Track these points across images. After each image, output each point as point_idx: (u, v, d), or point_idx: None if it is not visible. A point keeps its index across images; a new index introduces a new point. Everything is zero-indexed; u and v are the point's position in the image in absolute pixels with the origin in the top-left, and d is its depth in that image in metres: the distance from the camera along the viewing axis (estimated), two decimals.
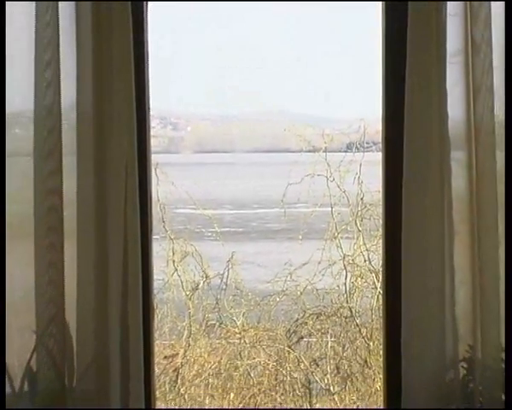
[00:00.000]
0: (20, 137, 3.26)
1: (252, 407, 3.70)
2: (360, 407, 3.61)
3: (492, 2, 3.19)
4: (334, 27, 3.52)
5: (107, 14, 3.20)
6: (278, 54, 3.60)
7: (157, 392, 3.50)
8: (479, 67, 3.20)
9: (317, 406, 3.68)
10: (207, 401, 3.69)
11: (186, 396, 3.70)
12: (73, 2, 3.22)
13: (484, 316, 3.20)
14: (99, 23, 3.22)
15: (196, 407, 3.67)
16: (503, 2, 3.20)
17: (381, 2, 3.37)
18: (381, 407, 3.42)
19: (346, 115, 3.79)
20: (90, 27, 3.22)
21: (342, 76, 3.60)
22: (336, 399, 3.70)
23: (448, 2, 3.21)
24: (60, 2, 3.20)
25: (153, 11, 3.39)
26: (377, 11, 3.39)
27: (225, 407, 3.65)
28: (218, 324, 3.86)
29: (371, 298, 3.61)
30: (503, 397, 3.17)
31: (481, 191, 3.20)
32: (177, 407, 3.64)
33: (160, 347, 3.56)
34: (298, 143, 3.79)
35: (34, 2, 3.19)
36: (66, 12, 3.22)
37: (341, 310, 3.79)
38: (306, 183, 3.79)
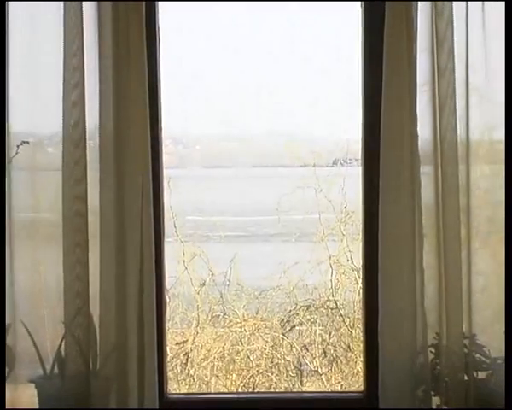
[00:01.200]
0: (52, 154, 3.25)
1: (251, 385, 3.71)
2: (339, 391, 3.61)
3: (456, 34, 3.19)
4: (321, 58, 3.52)
5: (126, 48, 3.21)
6: (273, 82, 3.60)
7: (169, 373, 3.49)
8: (443, 92, 3.21)
9: (308, 384, 3.68)
10: (213, 381, 3.70)
11: (195, 377, 3.70)
12: (97, 35, 3.22)
13: (449, 308, 3.20)
14: (119, 55, 3.22)
15: (203, 392, 3.66)
16: (464, 32, 3.20)
17: (360, 38, 3.36)
18: (361, 390, 3.45)
19: (332, 136, 3.78)
20: (111, 58, 3.22)
21: (329, 102, 3.61)
22: (323, 379, 3.71)
23: (418, 39, 3.19)
24: (85, 34, 3.19)
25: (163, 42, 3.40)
26: (358, 46, 3.40)
27: (228, 385, 3.66)
28: (222, 315, 3.85)
29: (353, 292, 3.60)
30: (466, 377, 3.20)
31: (446, 200, 3.20)
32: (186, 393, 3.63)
33: (172, 334, 3.55)
34: (291, 160, 3.79)
35: (63, 32, 3.18)
36: (90, 41, 3.21)
37: (328, 303, 3.79)
38: (298, 193, 3.79)
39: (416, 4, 3.20)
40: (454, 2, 3.19)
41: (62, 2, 3.19)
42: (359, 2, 3.35)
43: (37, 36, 3.22)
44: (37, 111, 3.24)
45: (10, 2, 3.20)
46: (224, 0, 3.47)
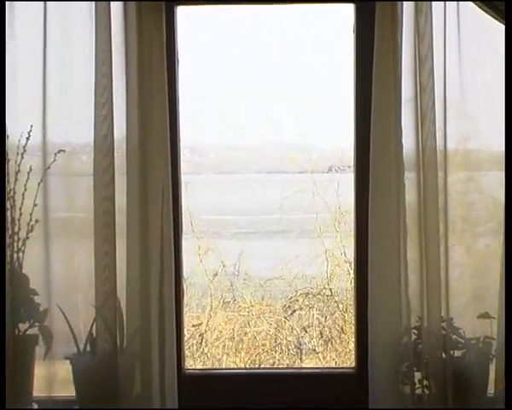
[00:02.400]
0: (85, 161, 3.25)
1: (257, 362, 3.70)
2: (334, 367, 3.61)
3: (435, 57, 3.18)
4: (319, 79, 3.51)
5: (149, 69, 3.21)
6: (276, 98, 3.61)
7: (186, 352, 3.48)
8: (424, 107, 3.19)
9: (306, 361, 3.68)
10: (224, 358, 3.69)
11: (208, 355, 3.70)
12: (124, 58, 3.22)
13: (429, 295, 3.20)
14: (143, 76, 3.22)
15: (216, 368, 3.65)
16: (442, 55, 3.19)
17: (353, 61, 3.36)
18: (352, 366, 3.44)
19: (328, 145, 3.77)
20: (136, 79, 3.22)
21: (326, 116, 3.61)
22: (320, 357, 3.70)
23: (403, 58, 3.19)
24: (113, 58, 3.18)
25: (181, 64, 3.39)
26: (351, 69, 3.39)
27: (237, 362, 3.65)
28: (232, 301, 3.84)
29: (346, 282, 3.58)
30: (444, 355, 3.20)
31: (427, 202, 3.20)
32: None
33: (189, 318, 3.55)
34: (291, 167, 3.79)
35: (94, 56, 3.18)
36: (118, 64, 3.21)
37: (324, 290, 3.78)
38: (298, 196, 3.78)
39: (401, 30, 3.19)
40: (434, 29, 3.18)
41: (94, 31, 3.18)
42: (353, 30, 3.35)
43: (71, 60, 3.23)
44: (72, 124, 3.24)
45: (48, 31, 3.19)
46: (231, 2, 3.43)
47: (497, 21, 3.11)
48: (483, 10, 3.12)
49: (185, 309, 3.48)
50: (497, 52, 3.16)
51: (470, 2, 3.12)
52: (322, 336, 3.72)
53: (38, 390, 3.29)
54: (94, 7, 3.18)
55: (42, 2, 3.19)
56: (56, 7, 3.21)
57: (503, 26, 3.11)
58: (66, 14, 3.22)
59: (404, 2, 3.18)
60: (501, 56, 3.14)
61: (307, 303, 3.76)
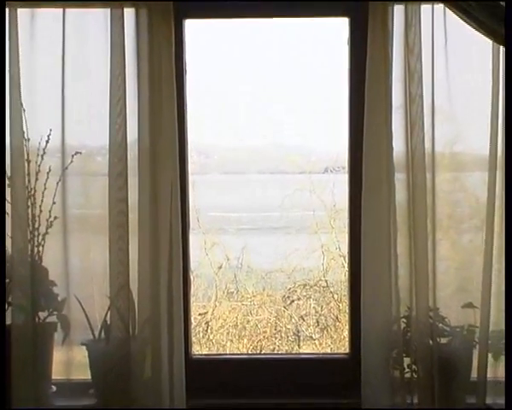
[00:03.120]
0: (101, 163, 3.25)
1: (259, 348, 3.70)
2: (329, 352, 3.61)
3: (424, 67, 3.18)
4: (318, 88, 3.52)
5: (159, 80, 3.20)
6: (277, 104, 3.61)
7: (193, 338, 3.47)
8: (414, 113, 3.19)
9: (304, 347, 3.68)
10: (228, 345, 3.69)
11: (213, 341, 3.70)
12: (136, 69, 3.21)
13: (417, 287, 3.20)
14: (153, 86, 3.21)
15: (220, 353, 3.65)
16: (430, 65, 3.18)
17: (347, 73, 3.36)
18: (346, 352, 3.45)
19: (325, 148, 3.77)
20: (147, 89, 3.21)
21: (323, 121, 3.61)
22: (316, 343, 3.70)
23: (394, 68, 3.18)
24: (126, 69, 3.18)
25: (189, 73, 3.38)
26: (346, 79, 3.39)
27: (240, 348, 3.65)
28: (235, 291, 3.84)
29: (340, 274, 3.58)
30: (431, 342, 3.20)
31: (415, 201, 3.19)
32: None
33: (195, 307, 3.54)
34: (291, 167, 3.78)
35: (109, 68, 3.17)
36: (130, 75, 3.21)
37: (320, 282, 3.78)
38: (297, 195, 3.78)
39: (392, 42, 3.18)
40: (422, 42, 3.18)
41: (109, 43, 3.18)
42: (347, 42, 3.35)
43: (88, 69, 3.24)
44: (88, 129, 3.25)
45: (66, 44, 3.19)
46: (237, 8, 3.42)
47: (480, 34, 3.10)
48: (468, 24, 3.10)
49: (192, 299, 3.47)
50: (482, 63, 3.18)
51: (457, 17, 3.11)
52: (318, 324, 3.72)
53: (57, 374, 3.31)
54: (109, 21, 3.18)
55: (61, 15, 3.19)
56: (74, 21, 3.21)
57: (487, 39, 3.11)
58: (83, 28, 3.22)
59: (395, 17, 3.18)
60: (485, 66, 3.17)
61: (305, 294, 3.76)
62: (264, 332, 3.73)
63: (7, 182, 3.21)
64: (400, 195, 3.20)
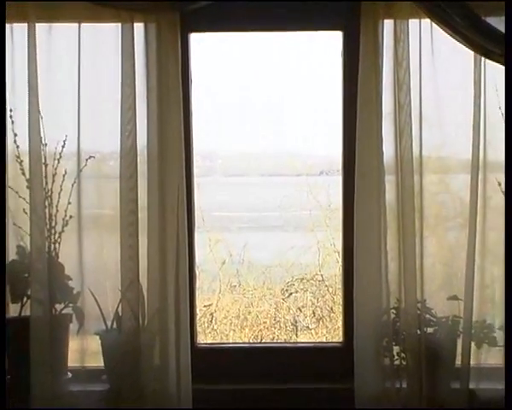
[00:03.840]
0: (113, 166, 3.24)
1: (259, 337, 3.69)
2: (324, 341, 3.61)
3: (411, 78, 3.17)
4: (315, 100, 3.51)
5: (166, 89, 3.20)
6: (276, 113, 3.60)
7: (198, 328, 3.48)
8: (402, 120, 3.18)
9: (301, 337, 3.67)
10: (231, 334, 3.68)
11: (217, 331, 3.69)
12: (145, 80, 3.20)
13: (406, 281, 3.19)
14: (161, 95, 3.21)
15: (224, 342, 3.64)
16: (418, 76, 3.18)
17: (341, 84, 3.36)
18: (340, 341, 3.43)
19: (320, 152, 3.77)
20: (155, 98, 3.21)
21: (319, 128, 3.60)
22: (313, 333, 3.69)
23: (384, 79, 3.18)
24: (136, 80, 3.18)
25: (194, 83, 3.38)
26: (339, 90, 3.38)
27: (242, 337, 3.64)
28: (238, 285, 3.83)
29: (335, 269, 3.57)
30: (418, 332, 3.19)
31: (404, 201, 3.19)
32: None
33: (200, 299, 3.53)
34: (289, 171, 3.78)
35: (120, 79, 3.17)
36: (140, 85, 3.20)
37: (316, 276, 3.77)
38: (295, 196, 3.78)
39: (382, 55, 3.18)
40: (410, 54, 3.17)
41: (120, 55, 3.18)
42: (341, 54, 3.35)
43: (101, 80, 3.23)
44: (101, 135, 3.25)
45: (81, 57, 3.18)
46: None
47: (464, 46, 3.11)
48: (453, 38, 3.10)
49: (197, 292, 3.48)
50: (465, 73, 3.18)
51: (442, 31, 3.11)
52: (314, 315, 3.72)
53: (72, 361, 3.30)
54: (120, 35, 3.18)
55: (76, 29, 3.19)
56: (88, 35, 3.21)
57: (470, 51, 3.12)
58: (96, 41, 3.22)
59: (385, 32, 3.18)
60: (468, 77, 3.17)
61: (302, 287, 3.75)
62: (265, 323, 3.72)
63: (26, 184, 3.20)
64: (390, 195, 3.20)
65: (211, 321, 3.68)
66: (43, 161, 3.20)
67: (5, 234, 3.00)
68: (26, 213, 3.21)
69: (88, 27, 3.20)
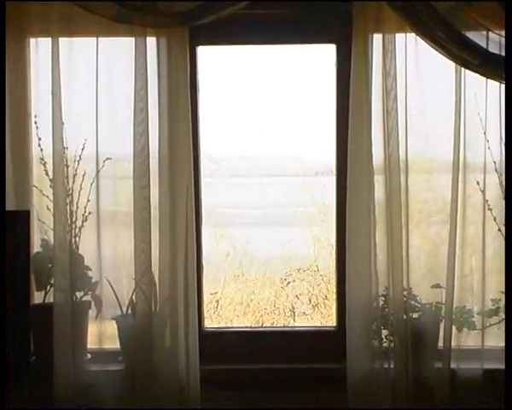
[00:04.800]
0: (127, 167, 3.24)
1: (260, 322, 3.68)
2: (319, 325, 3.61)
3: (398, 86, 3.17)
4: (311, 107, 3.50)
5: (176, 96, 3.20)
6: (276, 119, 3.60)
7: (205, 314, 3.45)
8: (390, 125, 3.18)
9: (298, 321, 3.66)
10: (235, 319, 3.66)
11: (222, 316, 3.68)
12: (157, 86, 3.20)
13: (393, 270, 3.19)
14: (171, 101, 3.21)
15: (228, 326, 3.63)
16: (404, 85, 3.17)
17: (335, 93, 3.35)
18: (334, 325, 3.43)
19: (316, 155, 3.75)
20: (166, 103, 3.21)
21: (314, 134, 3.59)
22: (309, 318, 3.68)
23: (373, 87, 3.17)
24: (148, 87, 3.18)
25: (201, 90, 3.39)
26: (333, 99, 3.38)
27: (245, 322, 3.63)
28: (240, 275, 3.81)
29: (329, 260, 3.56)
30: (404, 317, 3.19)
31: (392, 198, 3.19)
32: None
33: (207, 288, 3.51)
34: (287, 171, 3.78)
35: (133, 85, 3.17)
36: (152, 91, 3.20)
37: (312, 267, 3.76)
38: (292, 194, 3.78)
39: (372, 65, 3.19)
40: (397, 65, 3.18)
41: (134, 65, 3.18)
42: (335, 65, 3.35)
43: (117, 88, 3.23)
44: (117, 139, 3.24)
45: (99, 67, 3.18)
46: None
47: (445, 58, 3.11)
48: (435, 50, 3.11)
49: (204, 281, 3.45)
50: (447, 83, 3.18)
51: (426, 44, 3.11)
52: (310, 302, 3.71)
53: (91, 344, 3.30)
54: (134, 48, 3.18)
55: (95, 43, 3.20)
56: (105, 48, 3.21)
57: (451, 63, 3.12)
58: (113, 54, 3.22)
59: (374, 45, 3.18)
60: (449, 86, 3.17)
61: (299, 277, 3.74)
62: (265, 309, 3.71)
63: (49, 183, 3.21)
64: (379, 194, 3.21)
65: (216, 307, 3.68)
66: (64, 162, 3.21)
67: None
68: (49, 209, 3.22)
69: (105, 41, 3.21)
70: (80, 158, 3.23)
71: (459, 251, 3.20)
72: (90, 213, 3.24)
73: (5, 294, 2.85)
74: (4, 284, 2.85)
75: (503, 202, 3.19)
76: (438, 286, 3.24)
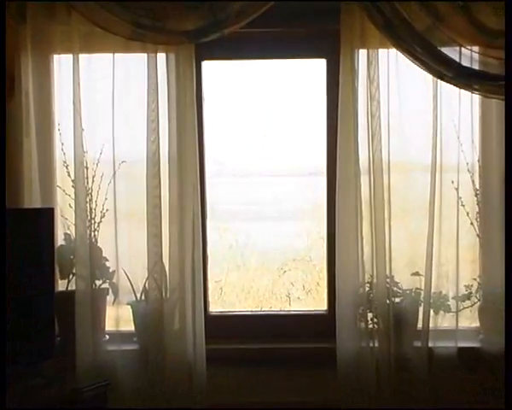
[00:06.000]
0: (141, 169, 3.23)
1: (260, 306, 3.62)
2: (312, 309, 3.57)
3: (381, 95, 3.17)
4: (306, 117, 3.50)
5: (184, 106, 3.22)
6: (274, 127, 3.59)
7: (210, 299, 3.47)
8: (374, 130, 3.18)
9: (294, 306, 3.62)
10: (237, 304, 3.62)
11: (226, 301, 3.64)
12: (166, 98, 3.20)
13: (377, 260, 3.20)
14: (179, 111, 3.22)
15: (231, 310, 3.60)
16: (386, 93, 3.17)
17: (325, 98, 3.37)
18: (325, 309, 3.44)
19: (309, 157, 3.72)
20: (175, 113, 3.22)
21: (307, 140, 3.57)
22: (303, 302, 3.64)
23: (359, 96, 3.17)
24: (159, 99, 3.18)
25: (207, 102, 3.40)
26: (323, 101, 3.39)
27: (246, 306, 3.58)
28: (242, 264, 3.77)
29: (321, 251, 3.53)
30: (387, 301, 3.19)
31: (376, 196, 3.19)
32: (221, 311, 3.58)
33: (212, 276, 3.51)
34: (284, 172, 3.73)
35: (146, 97, 3.17)
36: (162, 102, 3.21)
37: (305, 257, 3.71)
38: (288, 192, 3.74)
39: (358, 76, 3.19)
40: (380, 76, 3.18)
41: (146, 79, 3.19)
42: (325, 77, 3.37)
43: (131, 99, 3.24)
44: (132, 144, 3.24)
45: (115, 81, 3.18)
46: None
47: (423, 71, 3.12)
48: (414, 63, 3.12)
49: (209, 270, 3.46)
50: (424, 91, 3.19)
51: (406, 59, 3.12)
52: (304, 289, 3.67)
53: (109, 326, 3.31)
54: (146, 63, 3.19)
55: (111, 58, 3.20)
56: (121, 62, 3.22)
57: (428, 74, 3.12)
58: (127, 68, 3.23)
59: (360, 58, 3.19)
60: (427, 94, 3.18)
61: (294, 266, 3.70)
62: (264, 295, 3.67)
63: (71, 184, 3.22)
64: (364, 192, 3.20)
65: (220, 293, 3.65)
66: (84, 165, 3.21)
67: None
68: (71, 207, 3.23)
69: (120, 57, 3.21)
70: (99, 161, 3.23)
71: (436, 243, 3.20)
72: (107, 210, 3.24)
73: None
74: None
75: (475, 198, 3.25)
76: (417, 274, 3.25)
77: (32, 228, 3.05)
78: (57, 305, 3.16)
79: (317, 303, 3.59)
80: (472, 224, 3.25)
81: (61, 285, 3.29)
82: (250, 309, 3.62)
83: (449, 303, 3.26)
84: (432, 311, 3.23)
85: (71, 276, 3.26)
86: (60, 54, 3.24)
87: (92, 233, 3.25)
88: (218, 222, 3.62)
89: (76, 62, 3.17)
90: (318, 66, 3.41)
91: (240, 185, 3.73)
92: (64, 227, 3.28)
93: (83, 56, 3.19)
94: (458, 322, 3.24)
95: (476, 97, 3.20)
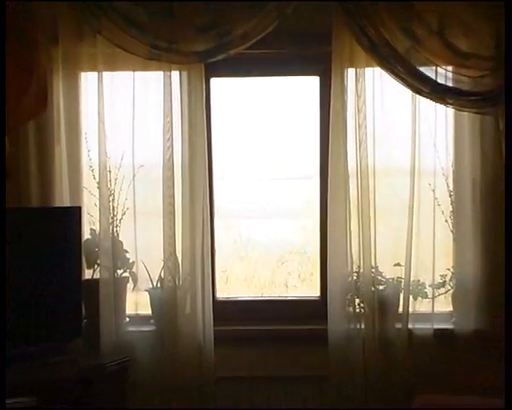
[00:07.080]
0: (157, 173, 3.24)
1: (261, 293, 3.59)
2: (306, 295, 3.55)
3: (367, 107, 3.20)
4: (301, 127, 3.51)
5: (194, 117, 3.25)
6: (272, 134, 3.59)
7: (217, 287, 3.47)
8: (361, 138, 3.21)
9: (291, 293, 3.60)
10: (241, 291, 3.62)
11: (231, 289, 3.63)
12: (179, 111, 3.22)
13: (364, 252, 3.22)
14: (190, 122, 3.26)
15: (236, 296, 3.57)
16: (372, 106, 3.19)
17: (319, 111, 3.39)
18: (318, 295, 3.46)
19: (304, 162, 3.69)
20: (187, 124, 3.26)
21: (302, 148, 3.56)
22: (299, 290, 3.61)
23: (348, 108, 3.19)
24: (173, 112, 3.21)
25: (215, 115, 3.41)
26: (317, 114, 3.42)
27: (249, 293, 3.57)
28: (245, 257, 3.70)
29: (314, 245, 3.49)
30: (372, 289, 3.21)
31: (362, 196, 3.22)
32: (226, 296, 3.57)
33: (219, 266, 3.48)
34: (282, 175, 3.69)
35: (162, 110, 3.21)
36: (176, 115, 3.23)
37: (301, 251, 3.68)
38: (286, 193, 3.71)
39: (347, 91, 3.21)
40: (366, 90, 3.22)
41: (162, 94, 3.22)
42: (319, 93, 3.40)
43: (148, 112, 3.27)
44: (149, 151, 3.27)
45: (135, 96, 3.21)
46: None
47: (404, 86, 3.17)
48: (396, 80, 3.17)
49: (216, 262, 3.47)
50: (405, 105, 3.22)
51: (389, 76, 3.17)
52: (299, 277, 3.66)
53: (129, 310, 3.33)
54: (162, 79, 3.22)
55: (132, 76, 3.23)
56: (139, 79, 3.25)
57: (408, 90, 3.16)
58: (145, 84, 3.26)
59: (349, 76, 3.22)
60: (407, 107, 3.21)
61: (291, 258, 3.64)
62: (264, 283, 3.65)
63: (96, 185, 3.24)
64: (353, 193, 3.22)
65: (226, 282, 3.64)
66: (107, 169, 3.24)
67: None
68: (96, 205, 3.27)
69: (139, 75, 3.25)
70: (120, 165, 3.26)
71: (415, 237, 3.23)
72: (127, 208, 3.27)
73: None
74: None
75: (449, 199, 3.30)
76: (398, 265, 3.28)
77: (62, 224, 3.10)
78: (84, 291, 3.20)
79: (310, 290, 3.58)
80: (446, 221, 3.31)
81: (88, 274, 3.32)
82: (252, 296, 3.64)
83: (426, 290, 3.30)
84: (411, 297, 3.27)
85: (96, 266, 3.30)
86: (86, 72, 3.28)
87: (114, 229, 3.28)
88: (224, 220, 3.63)
89: (100, 79, 3.21)
90: (312, 83, 3.45)
91: (243, 187, 3.75)
92: (90, 223, 3.31)
93: (106, 74, 3.23)
94: (434, 307, 3.28)
95: (450, 110, 3.25)
